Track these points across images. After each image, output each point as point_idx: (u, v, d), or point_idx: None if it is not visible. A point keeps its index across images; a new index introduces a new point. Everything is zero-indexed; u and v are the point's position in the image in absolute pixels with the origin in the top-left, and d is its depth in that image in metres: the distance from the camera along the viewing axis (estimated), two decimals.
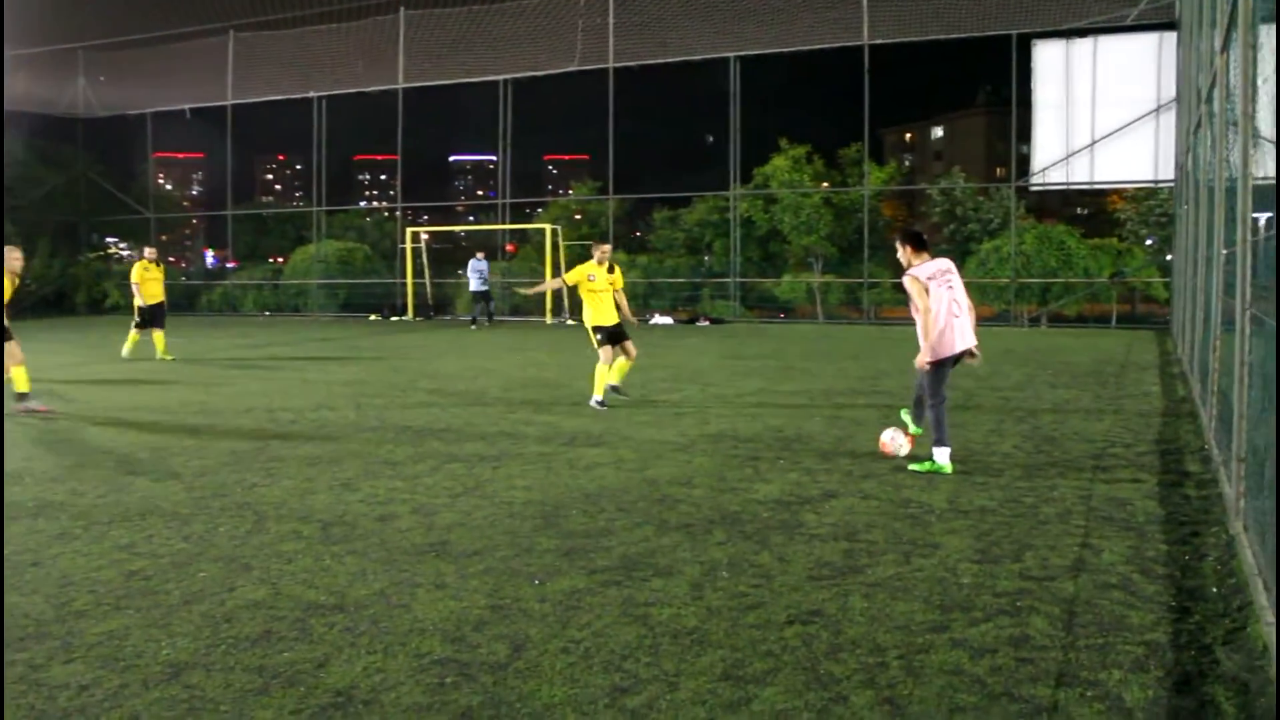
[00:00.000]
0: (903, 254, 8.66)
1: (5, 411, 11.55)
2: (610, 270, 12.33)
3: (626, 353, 12.31)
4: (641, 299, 33.10)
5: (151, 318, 18.93)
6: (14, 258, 12.34)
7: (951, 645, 4.59)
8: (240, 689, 4.24)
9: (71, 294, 37.70)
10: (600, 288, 12.18)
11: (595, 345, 12.23)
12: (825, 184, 33.00)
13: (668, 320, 29.72)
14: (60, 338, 24.96)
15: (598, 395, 12.09)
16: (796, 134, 33.27)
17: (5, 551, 6.29)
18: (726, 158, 30.73)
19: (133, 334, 19.19)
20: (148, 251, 19.90)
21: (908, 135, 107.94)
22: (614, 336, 12.20)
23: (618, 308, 12.35)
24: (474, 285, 28.91)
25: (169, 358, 18.52)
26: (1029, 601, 5.17)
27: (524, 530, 6.64)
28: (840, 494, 7.60)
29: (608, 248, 12.50)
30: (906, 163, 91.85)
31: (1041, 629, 4.78)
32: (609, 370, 12.18)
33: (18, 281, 12.50)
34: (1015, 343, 21.00)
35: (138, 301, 18.97)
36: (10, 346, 11.98)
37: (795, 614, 5.03)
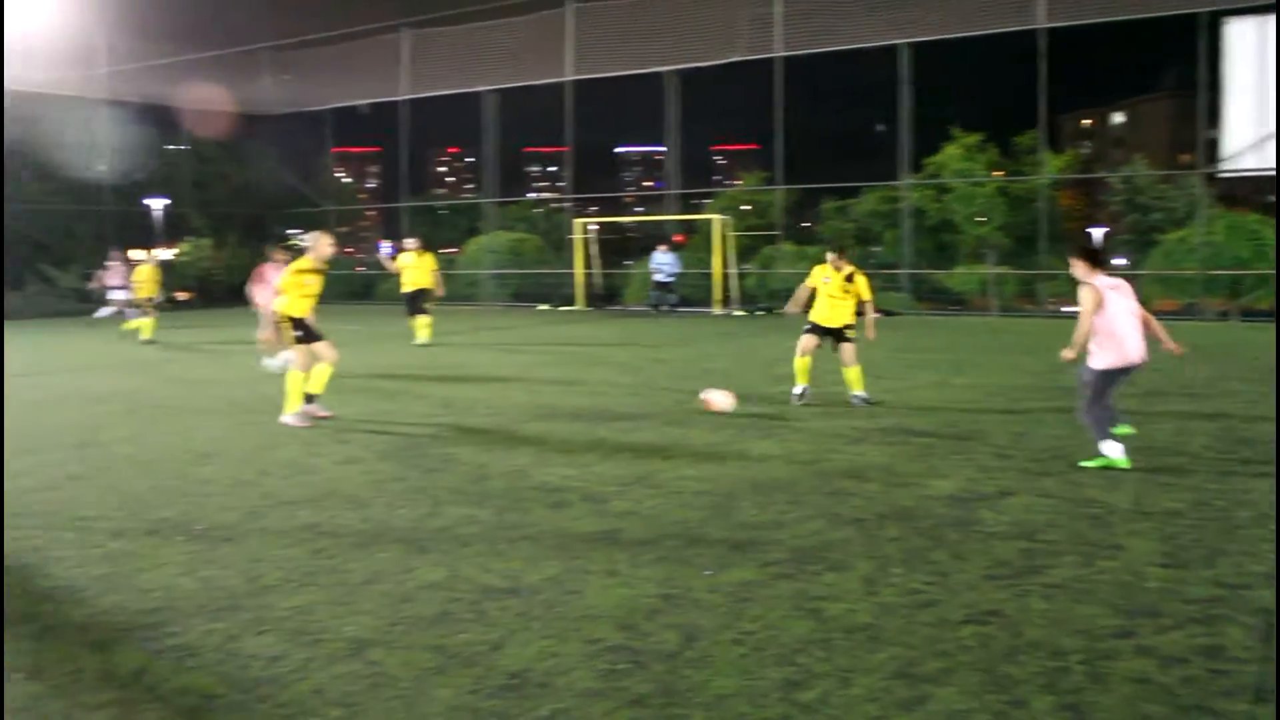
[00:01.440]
0: (1077, 269, 8.36)
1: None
2: (849, 279, 11.96)
3: (842, 358, 11.92)
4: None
5: (412, 304, 20.06)
6: (326, 243, 11.27)
7: (1138, 652, 4.43)
8: (419, 667, 4.38)
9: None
10: (831, 291, 11.87)
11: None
12: (999, 173, 32.12)
13: None
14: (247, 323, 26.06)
15: (796, 387, 11.85)
16: (969, 122, 32.44)
17: (200, 527, 6.62)
18: (897, 147, 30.14)
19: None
20: (409, 242, 20.84)
21: (1086, 121, 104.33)
22: (823, 334, 11.88)
23: (859, 316, 11.99)
24: (657, 277, 29.32)
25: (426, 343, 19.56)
26: (1222, 610, 4.94)
27: (695, 520, 6.67)
28: (1018, 492, 7.41)
29: (832, 256, 12.05)
30: (1085, 150, 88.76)
31: (1237, 639, 4.57)
32: (805, 361, 11.80)
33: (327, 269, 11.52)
34: (1203, 338, 20.06)
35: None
36: (321, 347, 10.97)
37: (972, 613, 4.93)
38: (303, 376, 10.87)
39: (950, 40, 28.74)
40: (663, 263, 29.51)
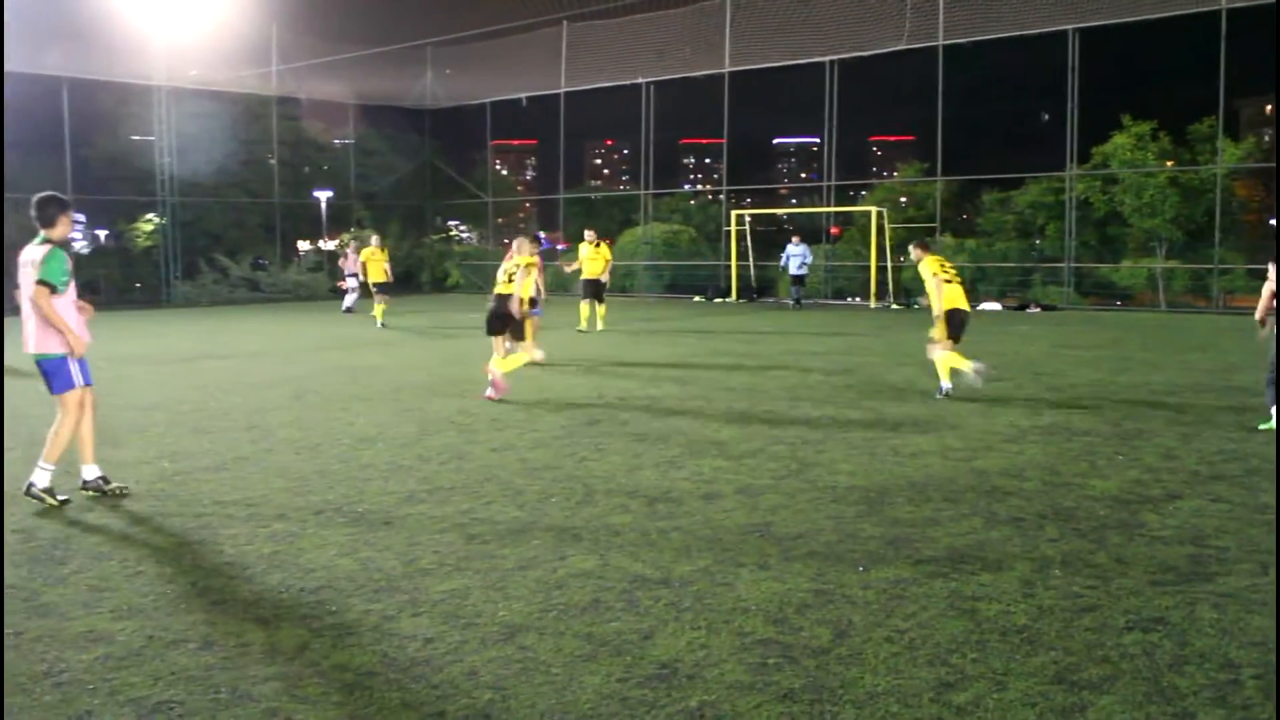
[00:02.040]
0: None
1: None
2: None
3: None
4: (970, 284, 32.10)
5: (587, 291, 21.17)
6: (527, 244, 12.79)
7: None
8: (570, 654, 4.43)
9: (417, 273, 40.27)
10: (949, 276, 11.71)
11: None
12: (1171, 162, 30.86)
13: (996, 306, 28.68)
14: (418, 310, 26.82)
15: (945, 382, 11.65)
16: (1140, 110, 31.15)
17: (360, 509, 6.83)
18: (1063, 136, 29.22)
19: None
20: (588, 234, 21.74)
21: (1268, 108, 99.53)
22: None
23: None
24: (792, 269, 29.24)
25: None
26: None
27: (848, 516, 6.60)
28: (1185, 495, 7.12)
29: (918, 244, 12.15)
30: (1267, 138, 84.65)
31: None
32: (955, 358, 11.59)
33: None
34: None
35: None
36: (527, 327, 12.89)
37: (1135, 620, 4.76)
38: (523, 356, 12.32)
39: (1122, 24, 27.73)
40: (794, 254, 29.31)
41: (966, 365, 11.45)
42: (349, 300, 27.47)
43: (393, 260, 34.98)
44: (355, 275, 26.95)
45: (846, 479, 7.65)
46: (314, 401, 11.77)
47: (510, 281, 12.27)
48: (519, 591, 5.23)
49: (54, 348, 7.06)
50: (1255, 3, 25.77)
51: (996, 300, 29.66)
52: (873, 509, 6.77)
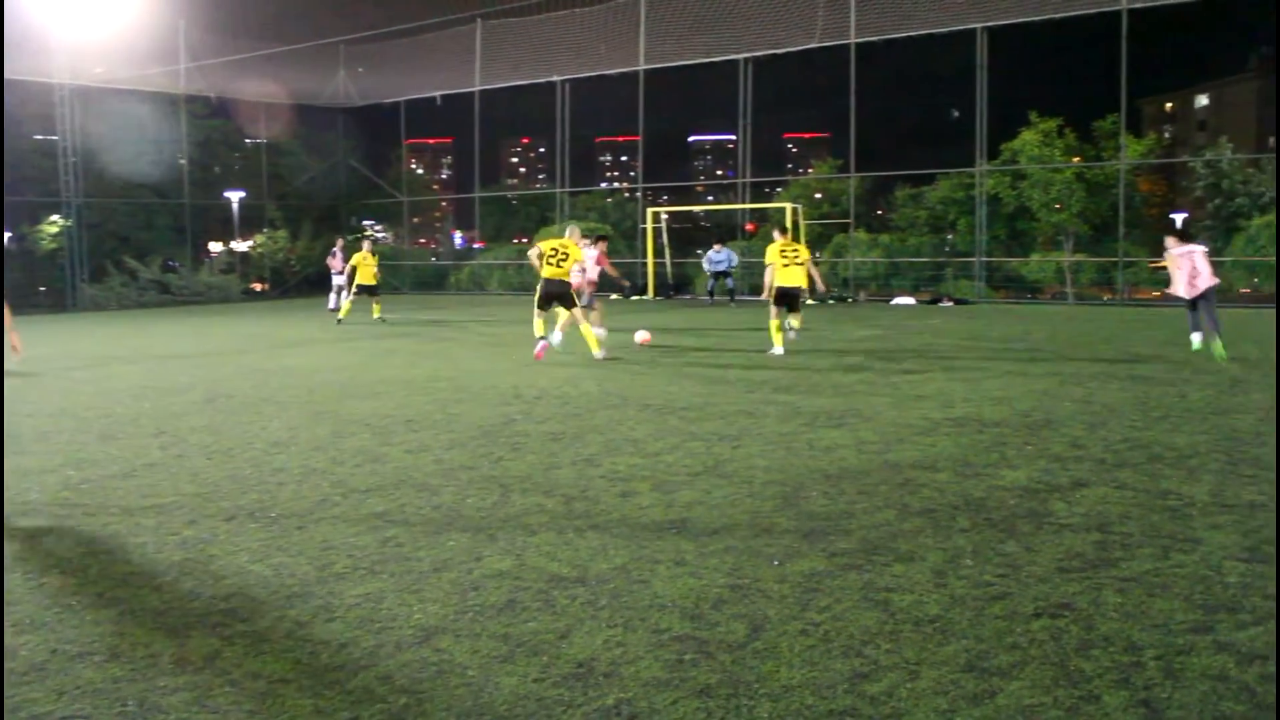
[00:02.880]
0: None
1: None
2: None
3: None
4: (883, 279, 32.57)
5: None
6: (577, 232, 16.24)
7: (1216, 649, 4.32)
8: (487, 655, 4.40)
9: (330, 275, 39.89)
10: (787, 261, 15.90)
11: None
12: (1077, 159, 31.54)
13: (910, 300, 29.10)
14: (319, 314, 26.48)
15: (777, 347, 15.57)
16: (1047, 107, 31.85)
17: (272, 514, 6.73)
18: (972, 133, 29.76)
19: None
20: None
21: (1168, 105, 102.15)
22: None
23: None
24: (713, 269, 29.74)
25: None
26: None
27: (764, 510, 6.65)
28: (1092, 483, 7.28)
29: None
30: (1167, 134, 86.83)
31: None
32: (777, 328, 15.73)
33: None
34: None
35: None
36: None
37: (1043, 606, 4.86)
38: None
39: (1028, 23, 28.29)
40: (718, 260, 29.84)
41: (779, 338, 15.71)
42: (334, 300, 27.29)
43: (305, 261, 34.71)
44: (340, 274, 26.83)
45: (762, 474, 7.70)
46: (225, 405, 11.57)
47: (559, 266, 15.18)
48: (434, 594, 5.18)
49: None
50: (1155, 4, 26.43)
51: (910, 294, 30.11)
52: (788, 503, 6.82)
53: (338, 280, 27.18)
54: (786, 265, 15.76)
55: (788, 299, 15.83)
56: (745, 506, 6.75)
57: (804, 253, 16.36)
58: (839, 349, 16.50)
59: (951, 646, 4.40)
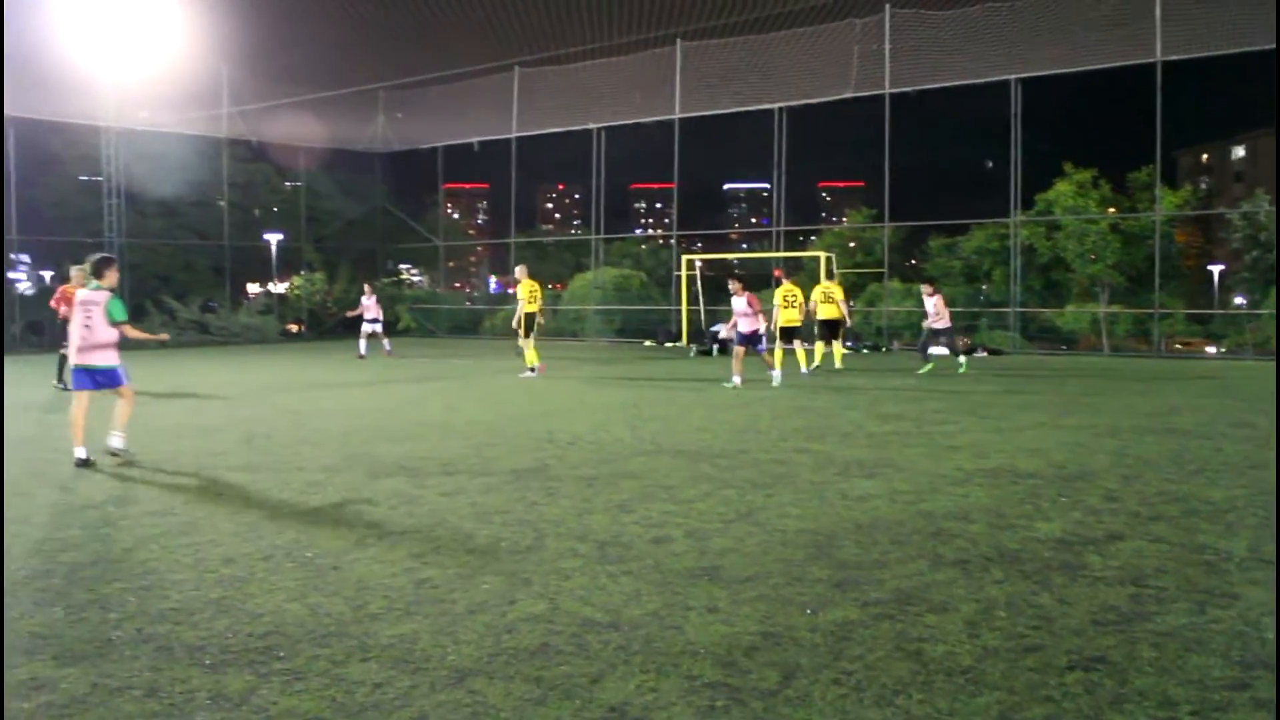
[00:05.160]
0: None
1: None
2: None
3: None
4: (916, 329, 32.53)
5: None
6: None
7: (1254, 706, 4.29)
8: (519, 698, 4.43)
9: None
10: (787, 304, 19.51)
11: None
12: (1112, 209, 31.49)
13: (944, 351, 29.03)
14: (352, 358, 26.70)
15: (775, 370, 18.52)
16: (1082, 158, 31.92)
17: (309, 554, 6.80)
18: (1007, 183, 29.79)
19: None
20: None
21: (1204, 156, 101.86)
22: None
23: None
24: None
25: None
26: None
27: (796, 559, 6.65)
28: (1127, 536, 7.25)
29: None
30: (1203, 186, 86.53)
31: None
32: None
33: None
34: None
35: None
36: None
37: (1077, 659, 4.84)
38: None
39: (1063, 75, 28.37)
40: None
41: (779, 366, 18.56)
42: (363, 346, 27.34)
43: (342, 304, 35.00)
44: (376, 320, 27.04)
45: (795, 522, 7.70)
46: (263, 446, 11.69)
47: (830, 301, 21.22)
48: (468, 636, 5.22)
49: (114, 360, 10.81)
50: (1190, 55, 26.45)
51: (944, 345, 30.01)
52: (821, 552, 6.83)
53: (367, 328, 27.29)
54: (787, 307, 19.53)
55: (788, 335, 19.71)
56: (778, 554, 6.76)
57: (838, 291, 20.07)
58: (872, 398, 16.49)
59: (984, 698, 4.39)
